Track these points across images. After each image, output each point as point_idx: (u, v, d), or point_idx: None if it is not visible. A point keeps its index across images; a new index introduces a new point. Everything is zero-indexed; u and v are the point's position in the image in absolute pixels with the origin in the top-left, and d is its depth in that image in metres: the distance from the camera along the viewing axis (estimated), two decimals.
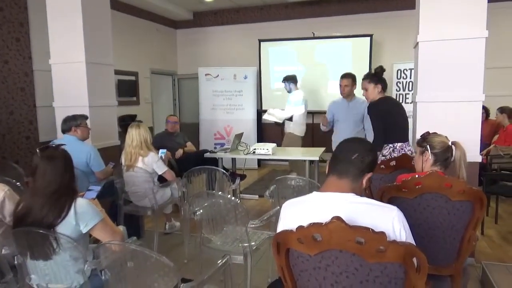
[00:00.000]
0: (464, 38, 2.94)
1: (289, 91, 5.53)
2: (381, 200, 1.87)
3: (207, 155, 4.62)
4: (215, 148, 5.82)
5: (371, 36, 6.67)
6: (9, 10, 4.88)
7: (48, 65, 4.19)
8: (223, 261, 1.91)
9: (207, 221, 2.63)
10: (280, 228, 1.44)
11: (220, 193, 2.60)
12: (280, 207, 2.91)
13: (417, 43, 3.12)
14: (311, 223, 1.25)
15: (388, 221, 1.30)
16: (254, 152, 4.48)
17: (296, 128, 5.47)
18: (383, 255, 1.18)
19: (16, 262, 1.92)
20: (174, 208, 4.09)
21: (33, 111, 5.21)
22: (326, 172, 1.51)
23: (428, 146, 2.02)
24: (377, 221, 1.27)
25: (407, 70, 6.38)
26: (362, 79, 3.38)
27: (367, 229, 1.19)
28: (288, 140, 5.46)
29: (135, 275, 1.73)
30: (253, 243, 2.56)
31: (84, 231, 1.84)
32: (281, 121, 5.64)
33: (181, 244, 3.60)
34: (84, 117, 3.56)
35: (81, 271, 1.80)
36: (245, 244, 2.44)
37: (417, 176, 1.90)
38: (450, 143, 2.02)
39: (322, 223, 1.22)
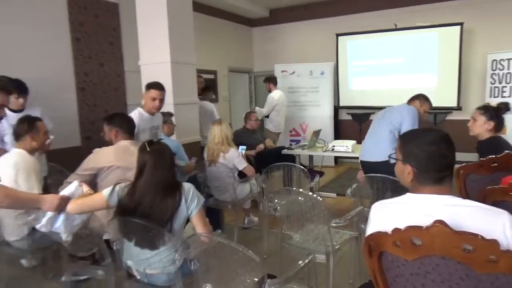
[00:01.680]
0: None
1: (269, 91, 6.06)
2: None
3: (284, 151, 4.62)
4: (290, 145, 5.80)
5: (461, 24, 6.12)
6: (103, 16, 5.34)
7: (137, 66, 4.50)
8: (308, 260, 1.88)
9: (287, 218, 2.62)
10: (370, 230, 1.37)
11: (301, 190, 2.57)
12: (363, 206, 2.82)
13: None
14: (409, 226, 1.17)
15: (498, 227, 1.15)
16: (333, 149, 4.38)
17: (270, 125, 6.02)
18: (495, 265, 1.06)
19: (114, 248, 2.08)
20: (252, 204, 4.16)
21: (124, 109, 5.64)
22: (411, 177, 1.35)
23: None
24: (484, 226, 1.14)
25: (504, 61, 5.75)
26: (476, 108, 2.88)
27: (475, 235, 1.07)
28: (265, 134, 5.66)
29: (222, 267, 1.78)
30: (335, 243, 2.50)
31: (193, 214, 1.95)
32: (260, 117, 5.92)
33: (260, 239, 3.65)
34: (170, 114, 3.77)
35: (173, 260, 1.90)
36: (327, 243, 2.39)
37: None
38: None
39: (423, 227, 1.14)
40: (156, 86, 3.20)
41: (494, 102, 2.96)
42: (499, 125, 2.77)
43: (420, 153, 1.33)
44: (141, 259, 1.95)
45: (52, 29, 4.63)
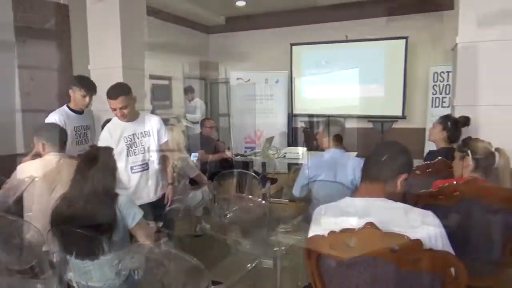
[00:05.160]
0: (507, 40, 2.81)
1: (191, 100, 6.99)
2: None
3: (237, 158, 4.64)
4: (245, 152, 5.84)
5: (406, 38, 6.49)
6: (52, 18, 5.12)
7: (87, 70, 4.36)
8: (253, 265, 1.90)
9: (237, 224, 2.64)
10: (311, 233, 1.42)
11: (250, 196, 2.60)
12: (310, 211, 2.89)
13: (456, 44, 3.00)
14: (343, 229, 1.23)
15: (423, 227, 1.25)
16: (284, 156, 4.46)
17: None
18: (419, 263, 1.14)
19: (55, 260, 1.99)
20: (204, 211, 4.13)
21: None
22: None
23: (469, 151, 1.93)
24: (411, 227, 1.23)
25: (444, 73, 6.18)
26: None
27: (401, 236, 1.15)
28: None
29: (167, 276, 1.75)
30: (283, 248, 2.54)
31: (132, 226, 1.88)
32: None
33: (211, 247, 3.62)
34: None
35: (116, 272, 1.84)
36: (275, 248, 2.43)
37: (455, 182, 1.83)
38: (493, 150, 1.92)
39: (355, 229, 1.20)
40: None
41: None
42: (453, 137, 2.76)
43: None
44: (82, 272, 1.88)
45: None
